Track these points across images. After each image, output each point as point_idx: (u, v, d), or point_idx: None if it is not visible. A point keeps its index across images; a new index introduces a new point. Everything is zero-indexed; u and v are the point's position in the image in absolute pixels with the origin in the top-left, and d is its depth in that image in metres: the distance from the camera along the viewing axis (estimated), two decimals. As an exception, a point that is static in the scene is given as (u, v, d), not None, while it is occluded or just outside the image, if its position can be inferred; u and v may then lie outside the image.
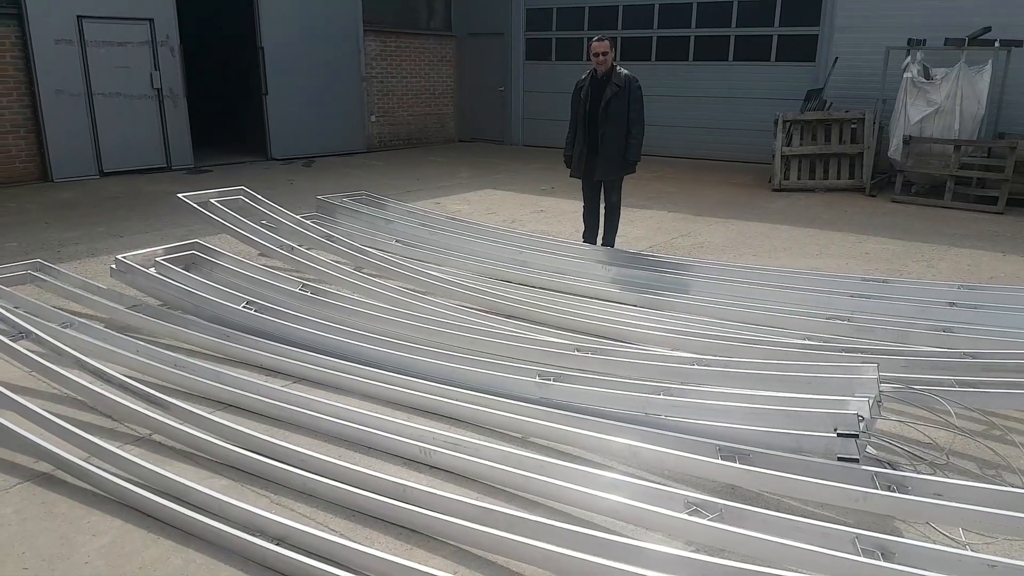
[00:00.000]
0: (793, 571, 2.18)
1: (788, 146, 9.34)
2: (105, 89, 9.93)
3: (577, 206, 6.45)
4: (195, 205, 5.78)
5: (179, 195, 5.81)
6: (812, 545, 2.33)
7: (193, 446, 3.14)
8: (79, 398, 3.45)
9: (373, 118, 13.75)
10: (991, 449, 3.16)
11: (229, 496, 2.70)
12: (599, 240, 6.36)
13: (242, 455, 3.01)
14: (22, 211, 7.84)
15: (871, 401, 2.94)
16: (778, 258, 6.32)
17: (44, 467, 2.96)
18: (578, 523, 2.60)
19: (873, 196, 9.00)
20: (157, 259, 4.84)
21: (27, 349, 3.60)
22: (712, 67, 12.23)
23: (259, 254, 5.79)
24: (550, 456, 3.00)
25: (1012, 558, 2.38)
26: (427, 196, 9.09)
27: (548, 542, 2.38)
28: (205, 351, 4.15)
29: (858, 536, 2.37)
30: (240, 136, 13.05)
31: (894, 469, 2.85)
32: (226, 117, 13.52)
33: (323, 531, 2.56)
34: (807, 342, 3.94)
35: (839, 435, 2.78)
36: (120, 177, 9.98)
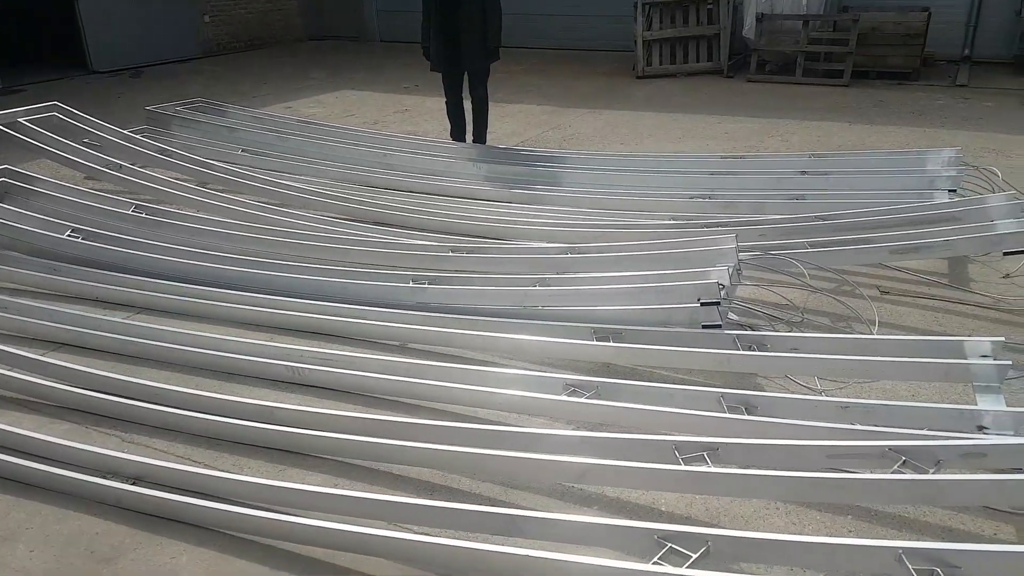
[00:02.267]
0: (667, 434, 2.23)
1: (648, 31, 9.30)
2: None
3: (441, 104, 6.15)
4: (2, 127, 5.06)
5: (-21, 115, 5.06)
6: (682, 408, 2.41)
7: (27, 392, 2.82)
8: None
9: (207, 18, 12.47)
10: (843, 303, 3.36)
11: (73, 441, 2.45)
12: (468, 138, 6.11)
13: (84, 396, 2.73)
14: None
15: (730, 270, 3.02)
16: (645, 144, 6.36)
17: None
18: (462, 420, 2.56)
19: (731, 77, 9.19)
20: (-40, 191, 4.22)
21: None
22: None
23: (85, 177, 5.19)
24: (431, 360, 2.92)
25: (863, 399, 2.56)
26: (276, 101, 8.45)
27: (432, 443, 2.33)
28: (31, 288, 3.71)
29: (723, 395, 2.46)
30: (55, 48, 11.54)
31: (754, 331, 2.96)
32: (35, 28, 11.88)
33: (184, 464, 2.39)
34: (672, 222, 3.99)
35: (702, 304, 2.85)
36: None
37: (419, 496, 2.24)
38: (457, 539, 1.95)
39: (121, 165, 5.03)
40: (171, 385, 2.76)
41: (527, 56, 11.49)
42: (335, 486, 2.31)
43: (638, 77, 9.31)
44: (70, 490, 2.31)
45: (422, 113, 7.85)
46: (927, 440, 2.05)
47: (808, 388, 2.76)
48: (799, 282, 3.35)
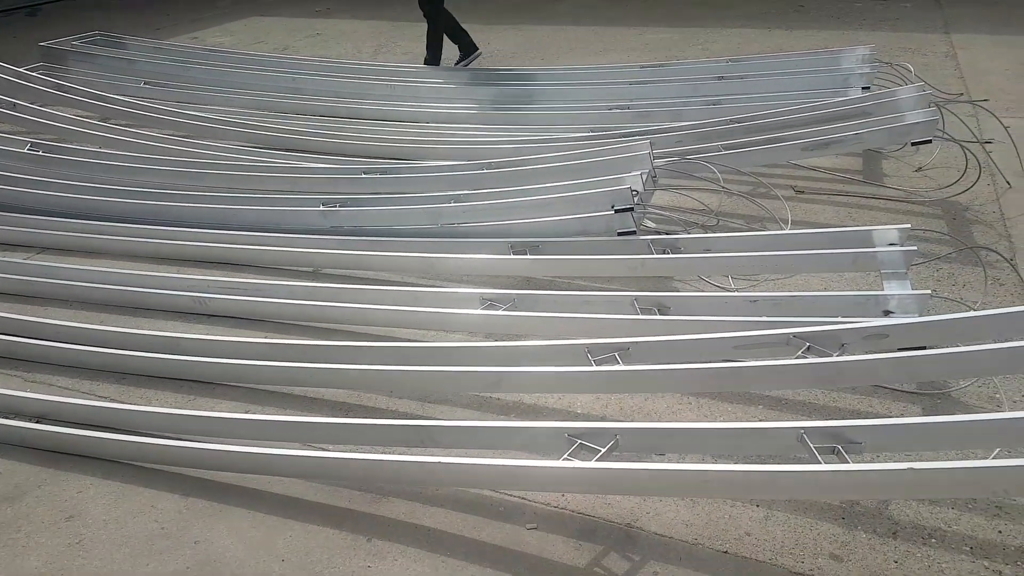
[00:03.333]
0: (582, 340, 2.24)
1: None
2: None
3: (355, 25, 5.86)
4: None
5: None
6: (597, 313, 2.42)
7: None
8: None
9: (104, -53, 11.59)
10: (757, 205, 3.40)
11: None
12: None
13: (-22, 339, 2.59)
14: None
15: (644, 176, 3.01)
16: (566, 58, 6.23)
17: None
18: (378, 340, 2.52)
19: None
20: None
21: None
22: None
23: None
24: (345, 284, 2.85)
25: (774, 292, 2.61)
26: (181, 31, 7.97)
27: (346, 364, 2.29)
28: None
29: (637, 298, 2.47)
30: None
31: (669, 235, 2.98)
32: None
33: (89, 399, 2.31)
34: (589, 134, 3.94)
35: (616, 211, 2.84)
36: None
37: (326, 415, 2.21)
38: (370, 454, 1.94)
39: (15, 104, 4.69)
40: (74, 322, 2.65)
41: None
42: (246, 412, 2.26)
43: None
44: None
45: (335, 36, 7.52)
46: (830, 326, 2.10)
47: (722, 288, 2.80)
48: (715, 186, 3.37)
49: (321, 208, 3.28)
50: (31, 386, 2.44)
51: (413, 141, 4.17)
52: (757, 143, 3.43)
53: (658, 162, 3.31)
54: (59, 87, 5.06)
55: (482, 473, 1.84)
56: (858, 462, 1.66)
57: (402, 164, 3.81)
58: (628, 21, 7.45)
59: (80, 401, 2.27)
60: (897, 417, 2.12)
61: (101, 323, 2.69)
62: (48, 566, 1.82)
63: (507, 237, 2.96)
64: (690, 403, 2.29)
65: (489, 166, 3.46)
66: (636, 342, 2.17)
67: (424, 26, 5.82)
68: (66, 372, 2.50)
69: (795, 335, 2.06)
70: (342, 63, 5.78)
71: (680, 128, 3.78)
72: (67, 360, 2.52)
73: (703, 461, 2.02)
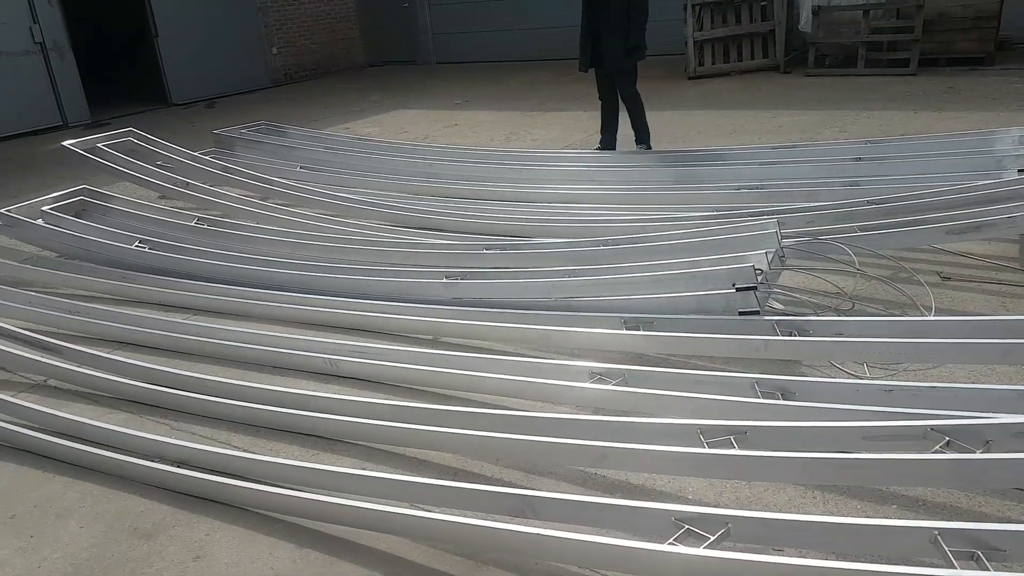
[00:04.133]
0: (695, 420, 2.18)
1: (700, 31, 9.18)
2: (-20, 49, 9.17)
3: (491, 116, 6.21)
4: (82, 152, 5.42)
5: (63, 143, 5.43)
6: (712, 394, 2.34)
7: (89, 386, 3.00)
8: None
9: (275, 50, 13.04)
10: (897, 290, 3.20)
11: (127, 427, 2.58)
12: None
13: (140, 388, 2.88)
14: None
15: (770, 254, 2.93)
16: (693, 141, 6.26)
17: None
18: (488, 407, 2.56)
19: (788, 73, 8.96)
20: (43, 208, 4.53)
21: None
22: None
23: (159, 196, 5.49)
24: (461, 352, 2.94)
25: (912, 382, 2.42)
26: (335, 122, 8.73)
27: (457, 427, 2.34)
28: (102, 295, 3.95)
29: (758, 380, 2.38)
30: (137, 84, 12.28)
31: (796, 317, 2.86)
32: (120, 65, 12.69)
33: (225, 448, 2.48)
34: (714, 213, 3.91)
35: (737, 289, 2.77)
36: (13, 141, 9.34)
37: (430, 476, 2.25)
38: (475, 519, 1.96)
39: (188, 183, 5.30)
40: (218, 376, 2.88)
41: (558, 67, 11.51)
42: (363, 469, 2.35)
43: (690, 78, 9.19)
44: (120, 472, 2.44)
45: (472, 126, 7.96)
46: (974, 420, 1.92)
47: (854, 375, 2.64)
48: (849, 269, 3.22)
49: (444, 280, 3.43)
50: (176, 433, 2.66)
51: (538, 220, 4.29)
52: (898, 224, 3.26)
53: (787, 242, 3.22)
54: (226, 169, 5.65)
55: (583, 550, 1.80)
56: (999, 571, 1.49)
57: (524, 241, 3.93)
58: (760, 105, 7.41)
59: (216, 449, 2.44)
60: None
61: (242, 379, 2.90)
62: (173, 602, 1.95)
63: (621, 312, 2.96)
64: (814, 497, 2.15)
65: (608, 243, 3.49)
66: (755, 426, 2.07)
67: (550, 115, 6.05)
68: (207, 422, 2.72)
69: (933, 428, 1.89)
70: (475, 149, 6.11)
71: (813, 208, 3.67)
72: (208, 411, 2.74)
73: (823, 557, 1.88)
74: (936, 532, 1.63)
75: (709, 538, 1.72)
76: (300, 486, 2.22)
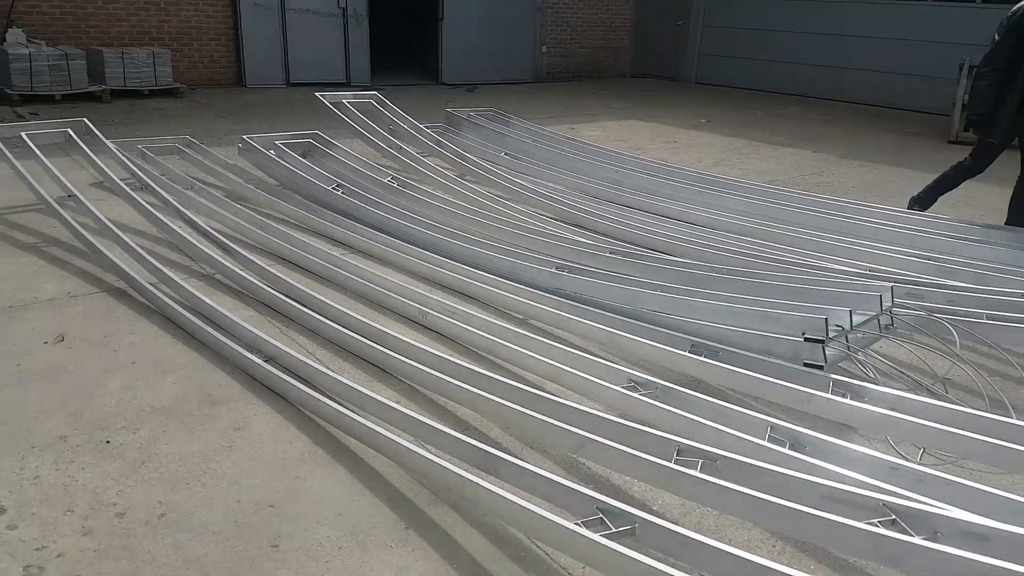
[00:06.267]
0: (677, 437, 2.20)
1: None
2: (297, 5, 10.94)
3: (715, 140, 6.19)
4: (328, 104, 6.37)
5: (316, 94, 6.43)
6: (725, 427, 2.32)
7: (242, 285, 3.65)
8: (169, 239, 4.11)
9: (544, 48, 13.87)
10: (995, 386, 2.83)
11: (245, 321, 3.15)
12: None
13: (273, 294, 3.46)
14: (208, 107, 9.03)
15: (862, 316, 2.76)
16: (905, 202, 5.74)
17: (121, 285, 3.62)
18: (527, 383, 2.75)
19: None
20: (276, 142, 5.46)
21: (143, 200, 4.32)
22: (905, 7, 10.94)
23: (376, 154, 6.29)
24: (533, 333, 3.15)
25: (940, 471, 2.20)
26: (567, 122, 9.16)
27: (489, 393, 2.55)
28: (294, 221, 4.69)
29: (773, 426, 2.32)
30: (415, 61, 13.78)
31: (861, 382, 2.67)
32: (404, 41, 14.28)
33: (307, 357, 2.93)
34: (845, 268, 3.67)
35: (805, 339, 2.67)
36: (303, 88, 11.04)
37: (444, 423, 2.48)
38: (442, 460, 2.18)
39: (401, 147, 6.01)
40: (333, 302, 3.37)
41: (831, 108, 10.90)
42: (397, 402, 2.67)
43: (949, 142, 8.29)
44: (222, 352, 3.00)
45: (688, 145, 7.96)
46: (931, 507, 1.76)
47: (901, 454, 2.42)
48: (958, 355, 2.89)
49: (552, 270, 3.64)
50: (280, 336, 3.18)
51: (684, 240, 4.29)
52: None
53: (902, 311, 2.99)
54: (438, 143, 6.30)
55: (511, 513, 1.95)
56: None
57: (650, 254, 3.98)
58: (1005, 182, 6.54)
59: (300, 356, 2.88)
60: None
61: (351, 308, 3.36)
62: (203, 452, 2.42)
63: (692, 334, 2.97)
64: (773, 546, 2.09)
65: (718, 271, 3.46)
66: (724, 455, 2.06)
67: (775, 150, 5.89)
68: (308, 335, 3.21)
69: (885, 503, 1.77)
70: (667, 166, 6.16)
71: (953, 288, 3.33)
72: (311, 326, 3.24)
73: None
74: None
75: (611, 530, 1.80)
76: (340, 399, 2.60)
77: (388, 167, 5.78)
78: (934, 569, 1.60)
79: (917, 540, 1.65)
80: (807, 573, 1.88)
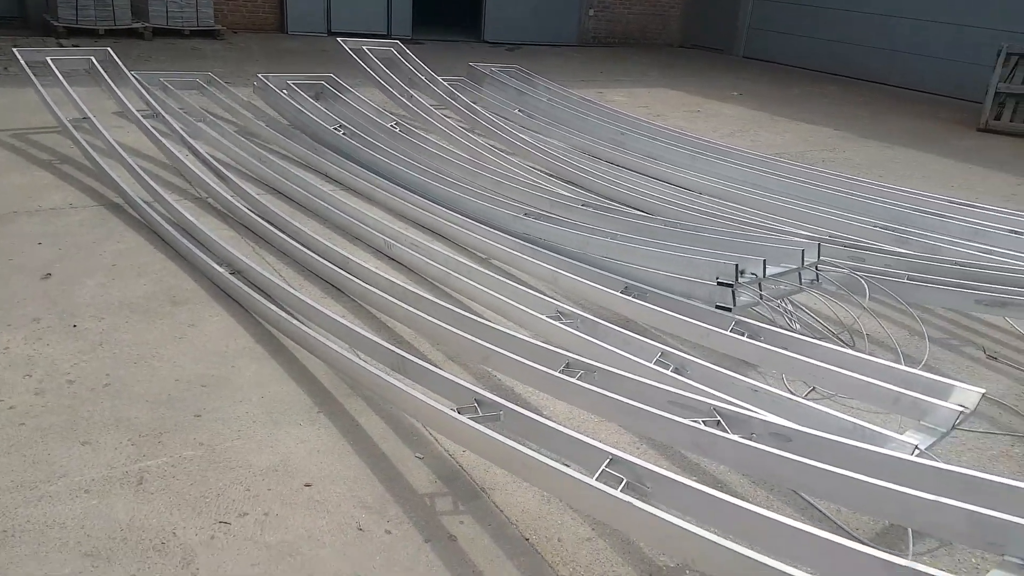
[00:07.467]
0: (601, 365, 2.39)
1: (1006, 82, 8.02)
2: (340, -44, 11.17)
3: (738, 111, 6.20)
4: (348, 50, 6.60)
5: (339, 40, 6.66)
6: (626, 352, 2.51)
7: (229, 209, 3.95)
8: (172, 164, 4.43)
9: (591, 12, 13.80)
10: (893, 336, 3.00)
11: (223, 240, 3.44)
12: None
13: (254, 219, 3.75)
14: (247, 50, 9.37)
15: (776, 266, 2.91)
16: (910, 183, 5.72)
17: (118, 200, 3.95)
18: (469, 311, 2.97)
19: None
20: (289, 82, 5.74)
21: (153, 127, 4.65)
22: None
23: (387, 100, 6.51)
24: (489, 270, 3.37)
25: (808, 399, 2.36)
26: (596, 86, 9.21)
27: (425, 313, 2.78)
28: (294, 158, 4.98)
29: (663, 353, 2.50)
30: (464, 18, 13.86)
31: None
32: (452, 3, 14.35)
33: (271, 273, 3.21)
34: (795, 231, 3.79)
35: (718, 283, 2.83)
36: (344, 37, 11.28)
37: (380, 337, 2.73)
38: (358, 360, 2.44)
39: (412, 96, 6.22)
40: (306, 228, 3.63)
41: (873, 90, 10.69)
42: (343, 316, 2.92)
43: (979, 129, 8.11)
44: (195, 263, 3.30)
45: (709, 115, 7.97)
46: (757, 413, 1.95)
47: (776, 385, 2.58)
48: (911, 314, 3.02)
49: (521, 216, 3.83)
50: (253, 255, 3.46)
51: (657, 199, 4.42)
52: (942, 283, 2.97)
53: (830, 269, 3.12)
54: (451, 95, 6.48)
55: (405, 401, 2.20)
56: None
57: (619, 208, 4.14)
58: (1014, 171, 6.45)
59: (263, 271, 3.16)
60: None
61: (322, 236, 3.63)
62: (156, 340, 2.72)
63: (627, 277, 3.16)
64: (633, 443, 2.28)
65: (666, 223, 3.62)
66: (601, 367, 2.27)
67: (789, 123, 5.88)
68: (278, 255, 3.49)
69: (716, 408, 1.97)
70: (674, 132, 6.23)
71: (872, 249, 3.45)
72: (281, 247, 3.52)
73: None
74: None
75: (480, 414, 2.04)
76: (290, 308, 2.86)
77: (398, 115, 6.00)
78: (737, 459, 1.80)
79: (729, 436, 1.85)
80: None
